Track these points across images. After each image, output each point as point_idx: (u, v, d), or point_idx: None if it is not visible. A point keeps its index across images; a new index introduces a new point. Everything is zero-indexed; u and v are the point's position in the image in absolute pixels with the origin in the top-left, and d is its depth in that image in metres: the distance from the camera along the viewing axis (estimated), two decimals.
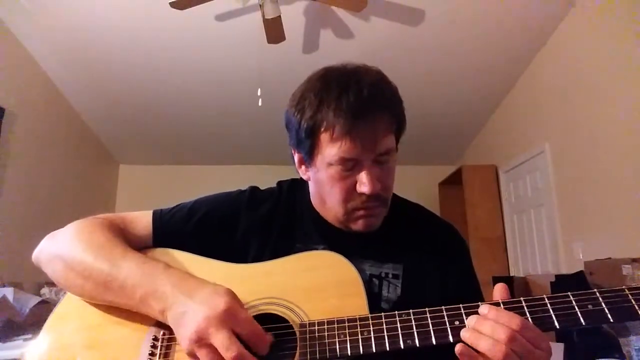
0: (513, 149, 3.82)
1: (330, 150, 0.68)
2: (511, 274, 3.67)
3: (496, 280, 2.96)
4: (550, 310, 0.55)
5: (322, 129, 0.68)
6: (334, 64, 0.74)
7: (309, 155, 0.73)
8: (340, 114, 0.66)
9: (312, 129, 0.69)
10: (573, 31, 2.91)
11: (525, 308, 0.56)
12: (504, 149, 4.00)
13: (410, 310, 0.60)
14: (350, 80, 0.69)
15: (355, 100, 0.66)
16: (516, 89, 3.70)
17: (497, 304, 0.57)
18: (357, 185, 0.70)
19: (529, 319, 0.55)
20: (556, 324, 0.55)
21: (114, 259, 0.67)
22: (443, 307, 0.59)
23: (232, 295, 0.60)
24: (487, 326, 0.54)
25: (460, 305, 0.59)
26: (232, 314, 0.57)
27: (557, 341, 1.95)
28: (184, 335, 0.57)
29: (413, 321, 0.59)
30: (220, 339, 0.55)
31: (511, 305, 0.57)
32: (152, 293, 0.63)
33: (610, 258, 2.30)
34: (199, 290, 0.61)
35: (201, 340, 0.56)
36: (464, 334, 0.55)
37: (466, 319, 0.57)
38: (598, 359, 1.76)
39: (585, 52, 2.79)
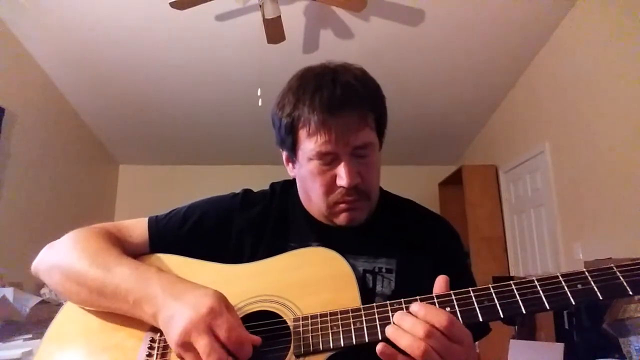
0: (513, 149, 3.82)
1: (308, 145, 0.71)
2: (511, 274, 3.68)
3: (496, 280, 2.96)
4: (541, 292, 0.56)
5: (300, 125, 0.71)
6: (315, 64, 0.76)
7: (292, 152, 0.76)
8: (314, 110, 0.69)
9: (291, 125, 0.72)
10: (573, 31, 2.91)
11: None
12: (504, 149, 4.00)
13: (402, 299, 0.60)
14: (326, 78, 0.71)
15: (329, 97, 0.68)
16: (516, 89, 3.70)
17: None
18: (337, 179, 0.72)
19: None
20: (547, 305, 0.55)
21: (107, 265, 0.68)
22: (434, 295, 0.59)
23: (218, 297, 0.61)
24: (407, 322, 0.55)
25: (451, 292, 0.59)
26: (214, 317, 0.57)
27: (557, 341, 1.95)
28: (171, 339, 0.58)
29: (405, 310, 0.59)
30: (202, 345, 0.56)
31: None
32: (144, 297, 0.64)
33: (610, 258, 2.30)
34: (188, 293, 0.62)
35: (186, 344, 0.57)
36: (388, 330, 0.56)
37: (457, 303, 0.58)
38: (598, 359, 1.76)
39: (585, 52, 2.79)
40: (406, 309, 0.59)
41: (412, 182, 4.61)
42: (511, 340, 1.98)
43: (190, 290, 0.62)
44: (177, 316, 0.59)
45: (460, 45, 3.19)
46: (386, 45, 3.17)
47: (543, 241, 3.37)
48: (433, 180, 4.69)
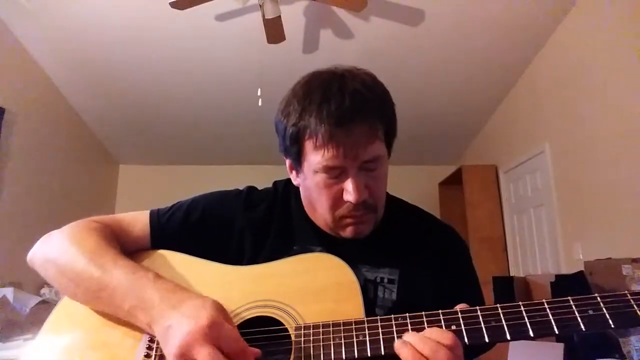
0: (513, 149, 3.82)
1: (315, 157, 0.68)
2: (511, 274, 3.67)
3: (496, 280, 2.96)
4: (550, 316, 0.55)
5: (306, 136, 0.68)
6: (322, 68, 0.73)
7: (297, 161, 0.73)
8: (322, 122, 0.65)
9: (297, 135, 0.69)
10: (573, 31, 2.91)
11: (524, 313, 0.56)
12: (504, 149, 4.00)
13: (407, 314, 0.59)
14: (333, 87, 0.67)
15: (337, 109, 0.65)
16: (516, 89, 3.70)
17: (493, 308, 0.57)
18: (344, 194, 0.69)
19: (528, 323, 0.55)
20: (556, 330, 0.54)
21: (104, 266, 0.66)
22: (440, 312, 0.58)
23: (218, 307, 0.59)
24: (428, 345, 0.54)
25: (457, 309, 0.58)
26: (216, 329, 0.56)
27: (557, 341, 1.95)
28: (170, 350, 0.56)
29: (409, 325, 0.58)
30: (204, 357, 0.54)
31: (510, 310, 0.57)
32: (139, 305, 0.62)
33: (610, 258, 2.30)
34: (186, 302, 0.60)
35: (185, 356, 0.55)
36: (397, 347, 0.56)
37: (463, 322, 0.57)
38: (598, 359, 1.76)
39: (585, 52, 2.79)
40: (411, 324, 0.58)
41: (412, 182, 4.62)
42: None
43: (189, 300, 0.61)
44: (176, 327, 0.57)
45: (460, 45, 3.19)
46: (386, 45, 3.17)
47: (543, 241, 3.36)
48: (433, 180, 4.69)
